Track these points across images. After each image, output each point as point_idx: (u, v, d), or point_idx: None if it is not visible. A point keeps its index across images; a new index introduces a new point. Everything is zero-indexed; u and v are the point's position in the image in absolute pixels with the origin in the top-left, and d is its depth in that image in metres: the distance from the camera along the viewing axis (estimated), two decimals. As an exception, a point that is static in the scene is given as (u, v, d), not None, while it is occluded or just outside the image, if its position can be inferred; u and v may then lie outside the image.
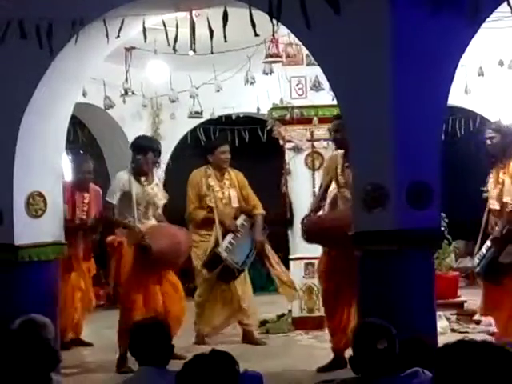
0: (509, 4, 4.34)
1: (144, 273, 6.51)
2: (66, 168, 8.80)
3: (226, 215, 7.29)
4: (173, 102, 9.52)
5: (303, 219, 6.46)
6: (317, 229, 6.25)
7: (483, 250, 6.58)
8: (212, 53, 4.21)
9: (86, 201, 7.45)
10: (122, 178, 6.72)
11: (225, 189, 7.44)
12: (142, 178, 6.75)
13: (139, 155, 6.69)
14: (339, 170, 6.21)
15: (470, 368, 2.05)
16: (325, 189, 6.49)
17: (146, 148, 6.74)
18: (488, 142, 6.62)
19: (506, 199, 6.45)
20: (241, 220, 7.37)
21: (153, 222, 6.83)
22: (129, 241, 6.56)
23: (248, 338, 7.29)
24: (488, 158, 6.73)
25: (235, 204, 7.43)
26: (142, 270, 6.49)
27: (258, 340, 7.29)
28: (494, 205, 6.59)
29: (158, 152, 6.86)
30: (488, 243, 6.54)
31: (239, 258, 7.16)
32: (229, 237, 7.23)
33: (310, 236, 6.37)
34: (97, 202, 7.49)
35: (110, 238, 6.80)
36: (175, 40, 3.75)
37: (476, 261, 6.65)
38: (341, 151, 6.22)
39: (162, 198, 6.90)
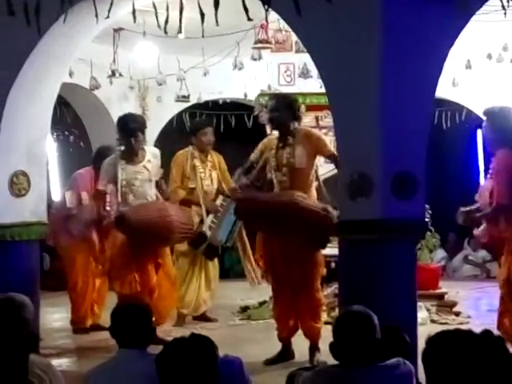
0: (500, -3, 4.33)
1: (136, 252, 6.39)
2: (51, 148, 8.71)
3: (207, 199, 7.47)
4: (160, 84, 9.48)
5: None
6: (252, 208, 5.75)
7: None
8: (203, 36, 4.16)
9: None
10: (111, 164, 6.56)
11: (207, 170, 7.57)
12: (134, 158, 6.58)
13: (130, 138, 6.50)
14: (273, 152, 5.94)
15: (464, 358, 2.03)
16: (260, 168, 6.01)
17: (135, 130, 6.56)
18: None
19: None
20: (219, 200, 7.57)
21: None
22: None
23: (203, 317, 7.62)
24: None
25: (215, 185, 7.60)
26: (133, 249, 6.37)
27: (211, 317, 7.65)
28: None
29: (145, 129, 6.71)
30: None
31: (222, 236, 7.44)
32: (211, 216, 7.45)
33: (243, 214, 5.96)
34: None
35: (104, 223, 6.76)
36: (166, 22, 3.70)
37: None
38: (276, 132, 6.03)
39: (155, 175, 6.68)
